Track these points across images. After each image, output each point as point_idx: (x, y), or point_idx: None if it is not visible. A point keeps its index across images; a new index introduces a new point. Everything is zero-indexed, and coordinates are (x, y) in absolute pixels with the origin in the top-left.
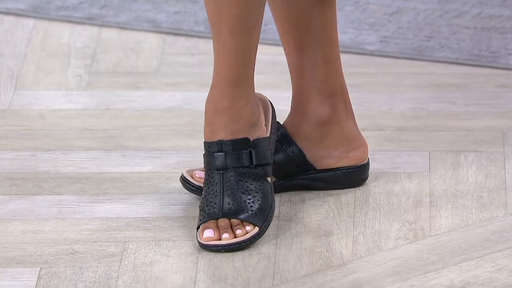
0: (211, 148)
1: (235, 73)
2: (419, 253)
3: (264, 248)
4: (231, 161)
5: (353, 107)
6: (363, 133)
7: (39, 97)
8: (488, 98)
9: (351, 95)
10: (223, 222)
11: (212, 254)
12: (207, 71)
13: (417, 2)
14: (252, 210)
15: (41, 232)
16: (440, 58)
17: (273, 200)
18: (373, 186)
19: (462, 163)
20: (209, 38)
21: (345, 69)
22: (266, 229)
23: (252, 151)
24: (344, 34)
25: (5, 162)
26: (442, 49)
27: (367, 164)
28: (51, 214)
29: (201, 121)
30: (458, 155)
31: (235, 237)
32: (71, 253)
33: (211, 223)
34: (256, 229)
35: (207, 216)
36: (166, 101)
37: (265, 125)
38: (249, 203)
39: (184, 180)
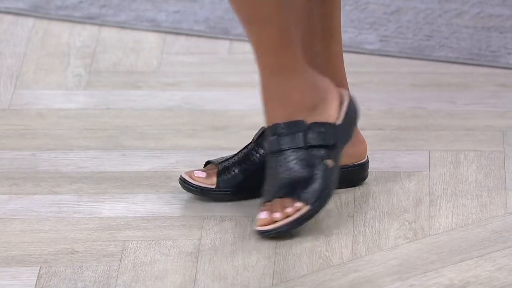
0: (269, 134)
1: (269, 61)
2: (419, 252)
3: (264, 248)
4: (285, 143)
5: None
6: (363, 132)
7: (38, 97)
8: (488, 97)
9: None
10: (276, 202)
11: (212, 254)
12: (207, 70)
13: (416, 1)
14: (304, 189)
15: (41, 232)
16: (440, 58)
17: (330, 182)
18: (373, 186)
19: (462, 162)
20: (209, 37)
21: (345, 68)
22: (319, 209)
23: (308, 132)
24: (344, 34)
25: (5, 161)
26: (442, 48)
27: (367, 162)
28: (50, 213)
29: (201, 121)
30: (458, 154)
31: (287, 216)
32: (71, 253)
33: (266, 205)
34: (307, 207)
35: (264, 199)
36: (166, 101)
37: (336, 113)
38: (301, 182)
39: (183, 181)
